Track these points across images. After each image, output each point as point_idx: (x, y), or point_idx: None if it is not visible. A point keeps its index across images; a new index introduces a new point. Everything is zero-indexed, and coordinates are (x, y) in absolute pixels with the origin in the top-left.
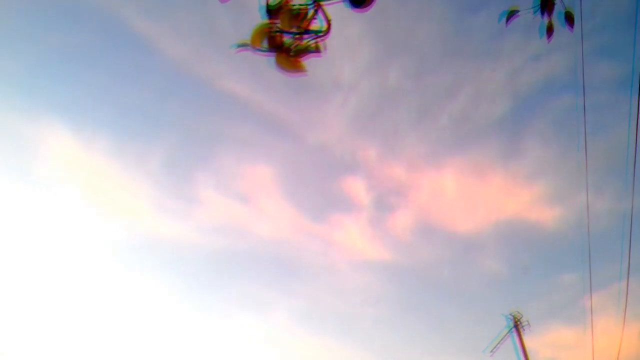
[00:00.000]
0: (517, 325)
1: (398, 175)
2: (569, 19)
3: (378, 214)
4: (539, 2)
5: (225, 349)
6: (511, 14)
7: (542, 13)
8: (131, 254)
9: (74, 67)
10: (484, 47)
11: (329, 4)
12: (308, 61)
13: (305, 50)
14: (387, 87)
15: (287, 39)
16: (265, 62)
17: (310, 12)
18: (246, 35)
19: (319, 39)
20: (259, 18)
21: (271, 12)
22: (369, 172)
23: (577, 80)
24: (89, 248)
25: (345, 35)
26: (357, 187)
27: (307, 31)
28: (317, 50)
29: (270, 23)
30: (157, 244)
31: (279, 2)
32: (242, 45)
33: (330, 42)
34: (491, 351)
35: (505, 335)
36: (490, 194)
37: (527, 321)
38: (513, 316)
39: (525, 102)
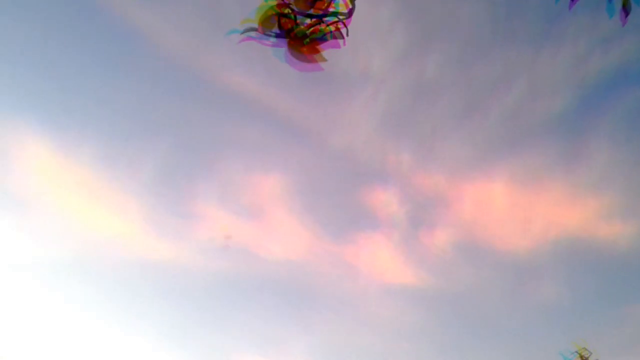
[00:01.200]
0: None
1: (436, 184)
2: None
3: (412, 231)
4: None
5: None
6: None
7: None
8: (117, 278)
9: (52, 61)
10: (541, 29)
11: None
12: (327, 50)
13: (324, 37)
14: (423, 79)
15: (301, 23)
16: (273, 52)
17: None
18: (251, 17)
19: (339, 23)
20: None
21: None
22: (401, 181)
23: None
24: (68, 269)
25: (373, 17)
26: (387, 199)
27: (325, 13)
28: (337, 36)
29: (280, 3)
30: (148, 267)
31: None
32: (247, 31)
33: (355, 26)
34: None
35: None
36: (547, 206)
37: (597, 359)
38: (579, 353)
39: (591, 96)
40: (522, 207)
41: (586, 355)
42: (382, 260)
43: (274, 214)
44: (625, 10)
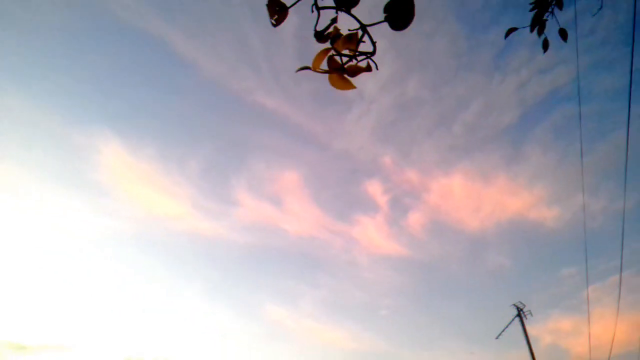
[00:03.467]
0: (520, 315)
1: (413, 179)
2: (563, 35)
3: (394, 214)
4: (532, 22)
5: (257, 336)
6: (511, 31)
7: (536, 30)
8: (171, 249)
9: (123, 84)
10: (493, 61)
11: (373, 26)
12: (356, 78)
13: (358, 69)
14: (404, 99)
15: (343, 60)
16: (307, 81)
17: (360, 35)
18: (307, 59)
19: (368, 59)
20: (285, 38)
21: (320, 37)
22: (386, 177)
23: (576, 91)
24: (138, 245)
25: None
26: (376, 190)
27: (359, 52)
28: (368, 68)
29: (329, 48)
30: (197, 240)
31: (328, 28)
32: (304, 68)
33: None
34: (496, 337)
35: (509, 323)
36: (493, 196)
37: (529, 311)
38: (516, 306)
39: (529, 113)
40: (475, 197)
41: (521, 307)
42: (371, 236)
43: (290, 201)
44: (545, 45)
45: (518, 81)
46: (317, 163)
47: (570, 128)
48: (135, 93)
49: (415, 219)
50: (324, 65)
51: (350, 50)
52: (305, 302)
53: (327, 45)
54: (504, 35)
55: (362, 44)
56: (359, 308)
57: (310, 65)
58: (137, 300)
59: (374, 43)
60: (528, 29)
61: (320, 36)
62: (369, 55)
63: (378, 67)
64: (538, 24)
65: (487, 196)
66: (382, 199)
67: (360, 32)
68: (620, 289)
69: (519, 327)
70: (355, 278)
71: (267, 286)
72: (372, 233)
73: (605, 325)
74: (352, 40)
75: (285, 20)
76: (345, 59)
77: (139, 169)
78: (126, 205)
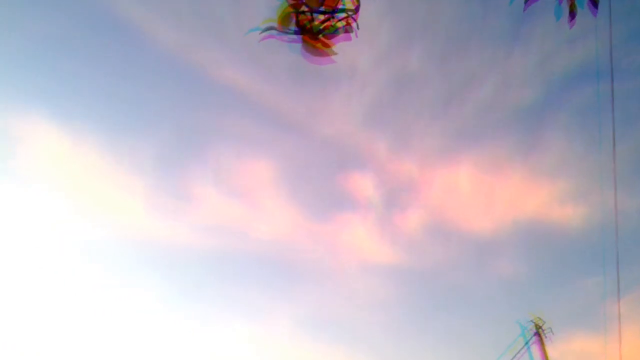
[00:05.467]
0: (538, 333)
1: (411, 170)
2: (593, 1)
3: (387, 213)
4: None
5: None
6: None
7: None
8: (119, 254)
9: (58, 57)
10: (514, 29)
11: None
12: (337, 44)
13: (336, 32)
14: (405, 74)
15: (315, 20)
16: (290, 47)
17: None
18: (271, 17)
19: (349, 19)
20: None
21: None
22: (380, 168)
23: (605, 68)
24: (73, 248)
25: (360, 13)
26: (367, 184)
27: (335, 10)
28: (347, 31)
29: (296, 2)
30: (147, 244)
31: None
32: (267, 30)
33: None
34: None
35: (524, 344)
36: (507, 191)
37: (550, 329)
38: (534, 323)
39: (554, 91)
40: (484, 192)
41: (540, 324)
42: (360, 239)
43: (262, 197)
44: (572, 14)
45: (542, 53)
46: (296, 151)
47: (601, 110)
48: (74, 67)
49: (412, 219)
50: (293, 25)
51: (326, 5)
52: (281, 319)
53: None
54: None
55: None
56: (345, 325)
57: (276, 25)
58: (69, 314)
59: None
60: None
61: None
62: (350, 13)
63: (358, 29)
64: None
65: (500, 191)
66: (374, 195)
67: None
68: None
69: (535, 348)
70: (342, 289)
71: (233, 300)
72: (362, 236)
73: (638, 344)
74: None
75: None
76: (320, 18)
77: (82, 159)
78: (63, 201)
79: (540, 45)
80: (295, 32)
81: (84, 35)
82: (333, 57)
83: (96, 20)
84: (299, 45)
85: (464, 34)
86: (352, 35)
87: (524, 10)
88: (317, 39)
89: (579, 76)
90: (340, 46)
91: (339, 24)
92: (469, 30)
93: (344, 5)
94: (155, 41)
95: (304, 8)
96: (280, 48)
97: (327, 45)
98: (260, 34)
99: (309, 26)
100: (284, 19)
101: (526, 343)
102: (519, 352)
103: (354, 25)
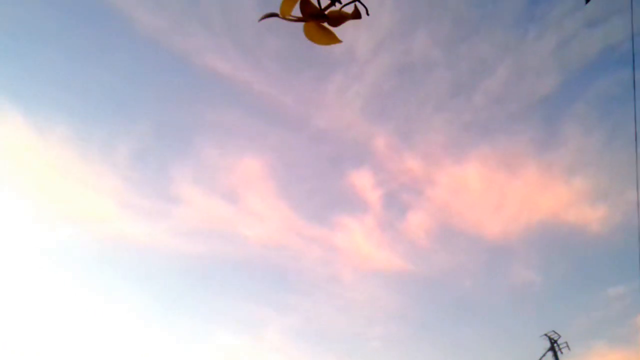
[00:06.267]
0: (553, 348)
1: (414, 168)
2: None
3: (389, 215)
4: None
5: None
6: None
7: None
8: (93, 261)
9: (26, 43)
10: (527, 11)
11: None
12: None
13: (342, 16)
14: (407, 62)
15: (322, 3)
16: (277, 32)
17: None
18: (274, 6)
19: (356, 1)
20: None
21: None
22: (380, 165)
23: (627, 54)
24: (40, 255)
25: None
26: (365, 183)
27: None
28: (356, 14)
29: None
30: (125, 249)
31: None
32: (268, 16)
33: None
34: None
35: (538, 359)
36: (520, 191)
37: (566, 343)
38: (548, 337)
39: (569, 79)
40: (495, 192)
41: (555, 338)
42: (359, 244)
43: (251, 197)
44: None
45: (559, 37)
46: (288, 147)
47: (623, 101)
48: (44, 54)
49: (417, 221)
50: (296, 11)
51: None
52: (271, 330)
53: None
54: None
55: None
56: (342, 338)
57: (278, 12)
58: (40, 325)
59: None
60: None
61: None
62: None
63: (369, 13)
64: None
65: (513, 191)
66: (373, 195)
67: None
68: None
69: None
70: (338, 299)
71: (219, 309)
72: (360, 240)
73: None
74: None
75: None
76: (325, 2)
77: (49, 153)
78: (29, 201)
79: (556, 30)
80: (298, 19)
81: (54, 19)
82: (338, 38)
83: (67, 3)
84: (301, 26)
85: (472, 17)
86: (363, 15)
87: None
88: (322, 22)
89: (598, 63)
90: (337, 30)
91: (347, 9)
92: (477, 13)
93: None
94: (133, 26)
95: None
96: (270, 34)
97: (329, 33)
98: (259, 20)
99: (314, 10)
100: (287, 5)
101: (540, 359)
102: None
103: (361, 9)
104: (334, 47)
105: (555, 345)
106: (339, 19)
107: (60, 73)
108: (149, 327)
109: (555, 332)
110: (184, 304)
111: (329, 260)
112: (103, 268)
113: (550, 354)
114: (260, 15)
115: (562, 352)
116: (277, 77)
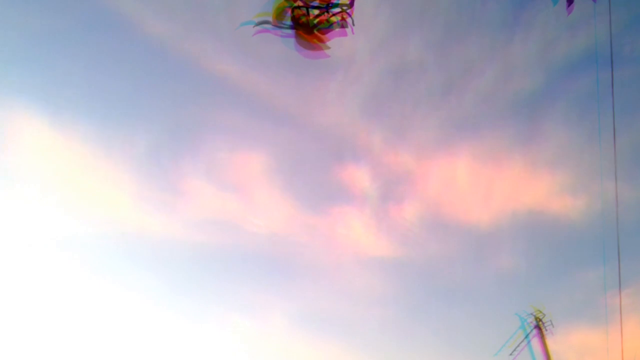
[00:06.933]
0: (539, 326)
1: (405, 162)
2: None
3: (384, 206)
4: None
5: (215, 358)
6: None
7: None
8: (109, 250)
9: (48, 52)
10: (514, 14)
11: None
12: (332, 39)
13: (330, 26)
14: (403, 62)
15: (310, 15)
16: (283, 42)
17: None
18: (266, 10)
19: (344, 13)
20: None
21: None
22: (376, 159)
23: (605, 55)
24: (62, 244)
25: (357, 2)
26: (363, 176)
27: (330, 5)
28: (342, 25)
29: None
30: (138, 239)
31: None
32: (262, 23)
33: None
34: (511, 354)
35: (524, 336)
36: (506, 182)
37: (550, 322)
38: (534, 316)
39: (548, 81)
40: (483, 184)
41: (540, 317)
42: (356, 233)
43: (256, 190)
44: (570, 0)
45: (541, 41)
46: (291, 143)
47: (602, 98)
48: (64, 61)
49: (410, 211)
50: (288, 19)
51: (320, 0)
52: (276, 315)
53: None
54: None
55: None
56: (341, 321)
57: (270, 19)
58: (57, 312)
59: None
60: None
61: None
62: (345, 8)
63: (354, 25)
64: None
65: (499, 183)
66: (371, 187)
67: None
68: None
69: (535, 342)
70: (338, 284)
71: (227, 296)
72: (357, 229)
73: None
74: None
75: None
76: (315, 12)
77: (72, 151)
78: (54, 196)
79: (540, 33)
80: (290, 27)
81: (73, 29)
82: (326, 51)
83: (86, 13)
84: (292, 40)
85: (462, 21)
86: (347, 30)
87: None
88: (311, 34)
89: (579, 64)
90: (335, 36)
91: (334, 19)
92: (467, 18)
93: (338, 0)
94: (146, 33)
95: (299, 2)
96: (274, 38)
97: (321, 40)
98: (254, 27)
99: (303, 20)
100: (279, 13)
101: (526, 336)
102: (519, 345)
103: (349, 20)
104: (334, 51)
105: (541, 323)
106: (324, 30)
107: (81, 78)
108: (163, 311)
109: (541, 311)
110: (195, 290)
111: (328, 248)
112: (121, 255)
113: (535, 330)
114: (254, 23)
115: (547, 330)
116: (281, 78)
